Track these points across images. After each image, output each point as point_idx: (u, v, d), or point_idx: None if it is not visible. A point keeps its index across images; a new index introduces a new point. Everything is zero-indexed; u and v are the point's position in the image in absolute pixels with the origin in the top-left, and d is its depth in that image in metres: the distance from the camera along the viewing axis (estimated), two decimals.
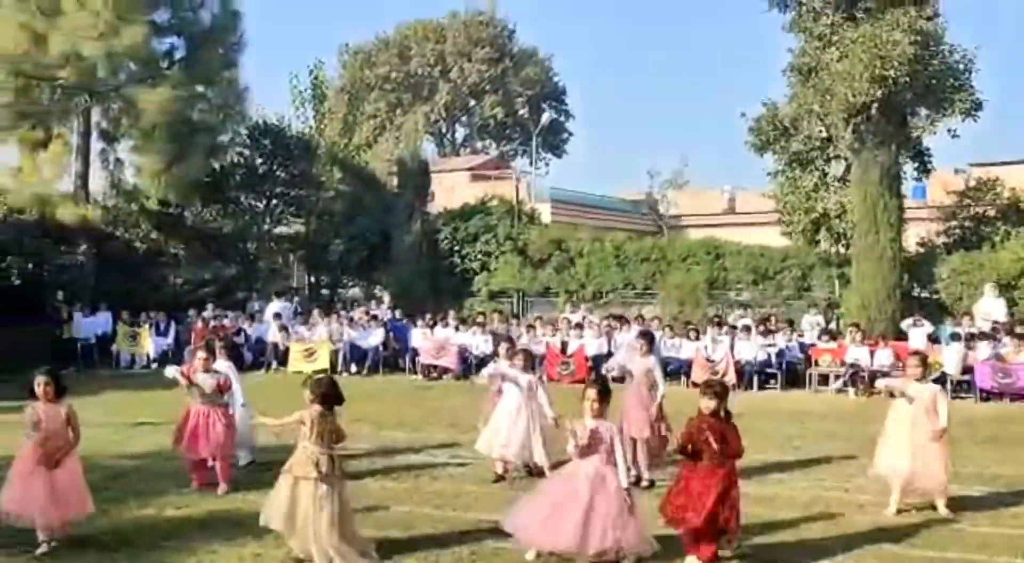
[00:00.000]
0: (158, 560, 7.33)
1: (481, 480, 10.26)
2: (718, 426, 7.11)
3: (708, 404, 7.20)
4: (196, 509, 8.97)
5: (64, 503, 7.60)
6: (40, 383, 7.73)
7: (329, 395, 7.45)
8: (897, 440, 8.99)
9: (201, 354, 10.21)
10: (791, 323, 21.79)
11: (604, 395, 7.54)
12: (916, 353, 10.03)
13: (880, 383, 10.17)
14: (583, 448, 7.29)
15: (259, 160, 29.58)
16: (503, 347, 11.59)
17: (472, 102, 62.92)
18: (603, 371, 14.19)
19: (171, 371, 10.20)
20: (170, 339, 23.04)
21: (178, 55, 25.96)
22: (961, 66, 25.04)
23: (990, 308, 21.22)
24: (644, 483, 9.82)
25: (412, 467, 10.99)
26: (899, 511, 8.83)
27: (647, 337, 10.93)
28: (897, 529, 8.29)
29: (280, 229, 30.25)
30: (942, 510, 8.80)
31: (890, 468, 8.99)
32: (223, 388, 10.03)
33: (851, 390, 19.16)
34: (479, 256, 28.37)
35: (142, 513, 8.73)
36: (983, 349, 18.77)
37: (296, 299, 27.12)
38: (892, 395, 9.41)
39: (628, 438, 9.92)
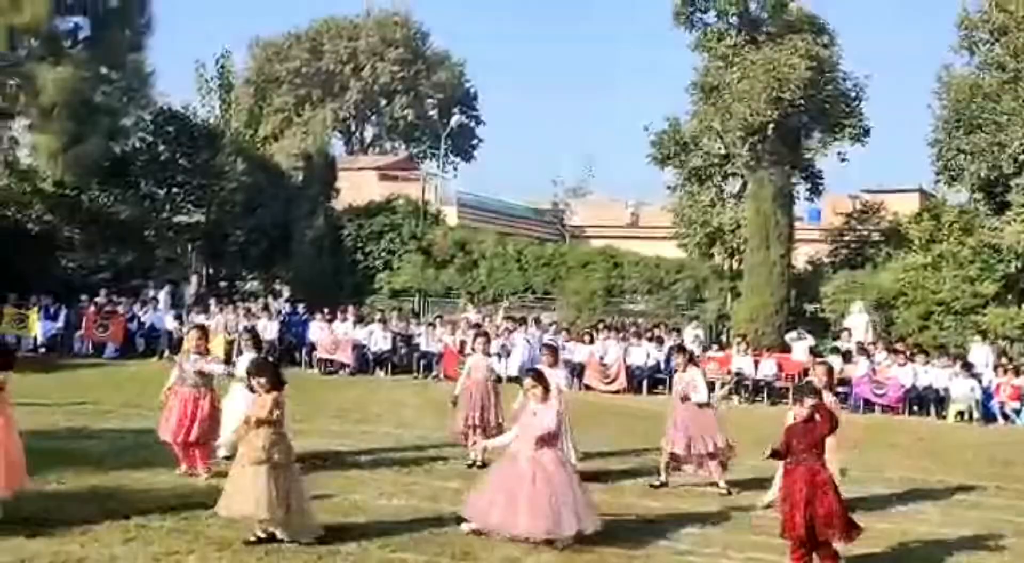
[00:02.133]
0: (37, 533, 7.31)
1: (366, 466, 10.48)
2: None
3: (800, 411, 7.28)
4: (79, 484, 8.96)
5: None
6: None
7: (281, 380, 7.70)
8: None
9: (194, 334, 10.17)
10: (678, 332, 22.44)
11: (543, 381, 8.11)
12: (823, 363, 10.42)
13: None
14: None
15: (162, 147, 29.04)
16: (479, 341, 11.76)
17: (383, 102, 62.74)
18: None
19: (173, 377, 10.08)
20: (60, 323, 22.56)
21: (82, 35, 25.36)
22: (853, 93, 26.26)
23: (854, 324, 22.20)
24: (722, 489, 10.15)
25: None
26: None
27: (686, 353, 11.08)
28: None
29: (180, 218, 29.71)
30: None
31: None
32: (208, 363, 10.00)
33: (735, 398, 19.89)
34: (383, 254, 28.45)
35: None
36: (860, 364, 19.70)
37: (192, 285, 26.77)
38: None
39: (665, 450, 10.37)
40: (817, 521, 6.81)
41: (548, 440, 7.85)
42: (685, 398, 10.36)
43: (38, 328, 22.39)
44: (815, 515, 6.81)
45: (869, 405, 19.11)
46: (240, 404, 9.98)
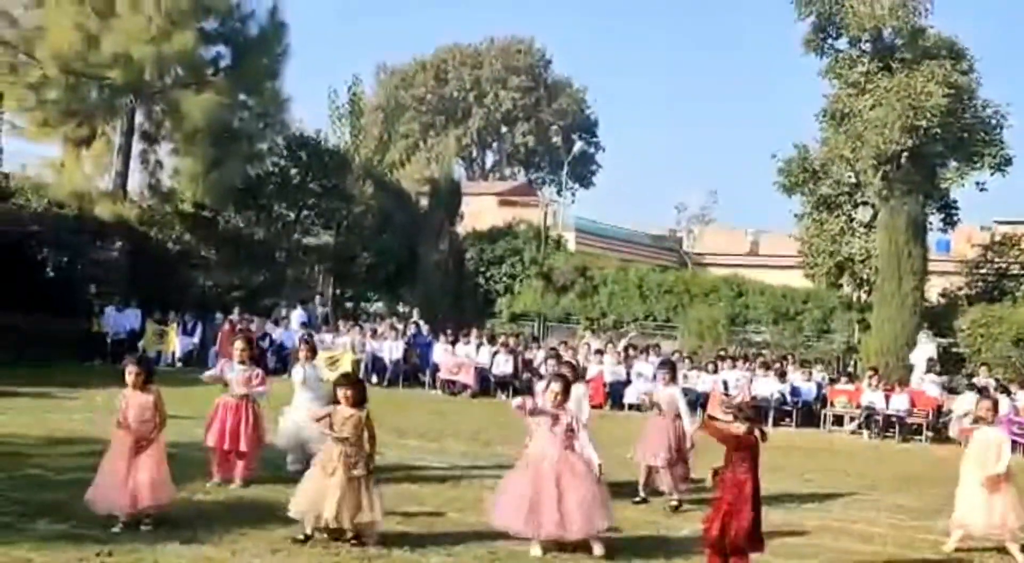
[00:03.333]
0: (191, 538, 7.61)
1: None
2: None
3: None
4: (223, 495, 9.29)
5: (142, 491, 7.79)
6: (131, 372, 8.07)
7: (365, 396, 7.95)
8: (971, 489, 8.91)
9: (239, 344, 10.31)
10: (804, 363, 21.94)
11: (567, 388, 8.19)
12: (988, 397, 10.06)
13: (954, 429, 9.99)
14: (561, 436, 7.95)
15: (294, 171, 30.06)
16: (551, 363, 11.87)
17: (504, 128, 63.52)
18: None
19: (206, 376, 10.47)
20: (196, 339, 23.42)
21: (224, 63, 26.55)
22: (992, 121, 25.41)
23: (918, 356, 21.42)
24: (673, 503, 10.11)
25: (434, 474, 11.27)
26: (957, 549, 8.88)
27: (669, 366, 11.19)
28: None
29: (309, 239, 30.67)
30: (1018, 556, 8.66)
31: (963, 521, 8.94)
32: (253, 382, 10.05)
33: (865, 432, 19.34)
34: (504, 278, 28.76)
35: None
36: (1001, 401, 18.89)
37: (320, 306, 27.48)
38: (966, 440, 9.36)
39: (642, 464, 10.30)
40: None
41: (570, 439, 8.00)
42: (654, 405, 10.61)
43: (176, 344, 23.32)
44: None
45: (1012, 445, 18.27)
46: (301, 414, 10.34)
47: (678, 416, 10.42)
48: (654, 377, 12.14)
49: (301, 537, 7.62)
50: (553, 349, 20.19)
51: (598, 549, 7.78)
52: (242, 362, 10.14)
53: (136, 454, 7.89)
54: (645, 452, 10.36)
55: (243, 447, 9.87)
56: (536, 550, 7.76)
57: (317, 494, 7.63)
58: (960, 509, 8.99)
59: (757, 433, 7.25)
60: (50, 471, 9.99)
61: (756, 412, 7.83)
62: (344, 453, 7.64)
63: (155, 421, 8.03)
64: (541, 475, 7.83)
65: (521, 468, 8.17)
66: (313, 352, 11.47)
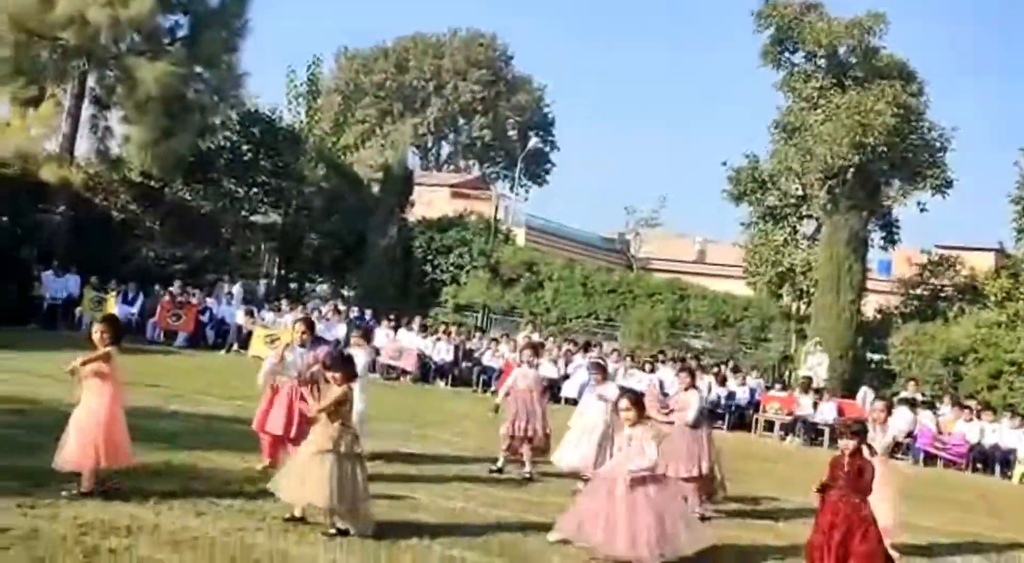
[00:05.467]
0: (116, 496, 7.57)
1: (429, 469, 10.64)
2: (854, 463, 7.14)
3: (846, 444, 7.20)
4: (151, 459, 9.24)
5: (75, 449, 7.64)
6: (96, 330, 8.02)
7: (354, 374, 7.94)
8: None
9: (300, 327, 9.92)
10: (737, 370, 22.32)
11: (638, 404, 8.03)
12: (882, 399, 10.26)
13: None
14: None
15: (246, 147, 29.83)
16: (526, 352, 11.93)
17: (461, 120, 63.51)
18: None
19: (267, 367, 9.77)
20: (135, 309, 23.15)
21: (181, 32, 26.16)
22: (937, 144, 26.02)
23: (812, 362, 21.87)
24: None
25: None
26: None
27: (598, 368, 11.40)
28: None
29: (257, 217, 30.44)
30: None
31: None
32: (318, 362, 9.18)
33: (794, 438, 19.77)
34: (451, 268, 28.79)
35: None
36: (925, 416, 19.41)
37: (263, 284, 27.29)
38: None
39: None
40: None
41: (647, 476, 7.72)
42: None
43: (115, 312, 23.00)
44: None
45: (931, 458, 18.81)
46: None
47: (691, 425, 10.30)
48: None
49: (288, 516, 7.55)
50: (527, 337, 20.34)
51: None
52: (302, 344, 9.70)
53: (86, 413, 7.77)
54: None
55: (298, 435, 8.99)
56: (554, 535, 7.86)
57: (309, 478, 7.41)
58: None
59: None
60: None
61: (863, 427, 7.37)
62: (333, 433, 7.52)
63: (114, 376, 7.89)
64: (617, 499, 7.63)
65: (595, 485, 8.16)
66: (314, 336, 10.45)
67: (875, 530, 6.93)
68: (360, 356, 10.09)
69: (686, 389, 10.55)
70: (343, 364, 7.94)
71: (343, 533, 7.38)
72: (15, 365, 14.89)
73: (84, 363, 7.80)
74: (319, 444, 7.51)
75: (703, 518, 9.38)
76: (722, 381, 21.21)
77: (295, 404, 9.20)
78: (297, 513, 7.59)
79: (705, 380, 20.99)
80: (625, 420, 7.99)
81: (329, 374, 7.81)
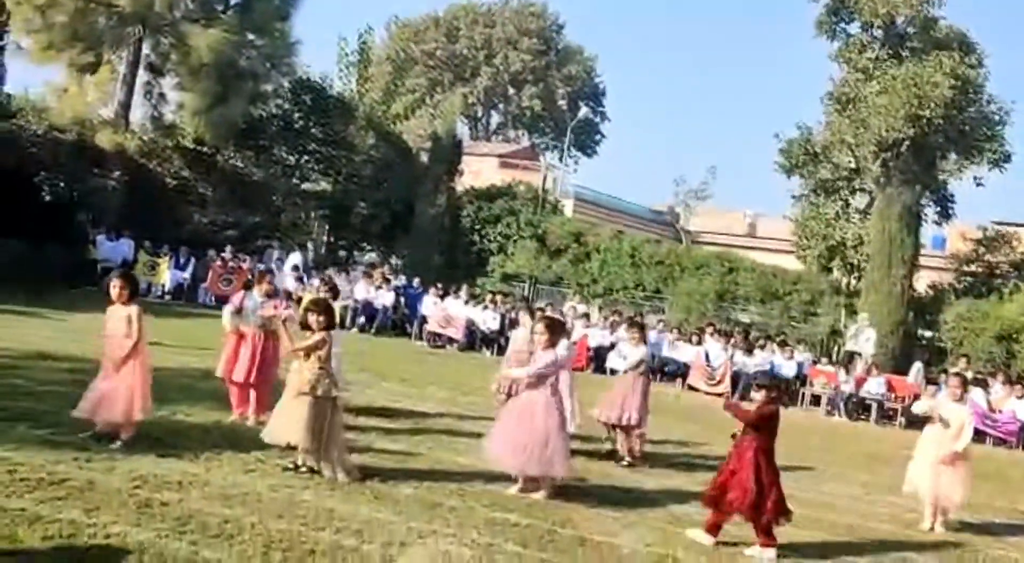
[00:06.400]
0: (168, 453, 7.77)
1: (472, 433, 10.73)
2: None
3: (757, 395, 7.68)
4: (203, 418, 9.45)
5: (112, 405, 7.87)
6: (115, 285, 8.11)
7: (335, 321, 8.21)
8: (924, 460, 9.18)
9: (264, 279, 10.06)
10: (783, 344, 22.14)
11: (553, 328, 8.39)
12: (958, 374, 10.18)
13: (918, 407, 9.98)
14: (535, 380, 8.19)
15: (297, 115, 30.06)
16: (522, 315, 12.01)
17: (511, 90, 63.26)
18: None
19: (226, 313, 9.89)
20: (187, 274, 23.55)
21: (235, 0, 26.38)
22: (996, 117, 25.44)
23: (859, 336, 21.58)
24: (624, 462, 10.22)
25: (410, 416, 11.45)
26: (932, 527, 9.04)
27: (638, 327, 11.34)
28: (860, 529, 8.70)
29: (308, 185, 30.73)
30: (937, 527, 9.01)
31: (915, 489, 9.24)
32: (279, 308, 9.57)
33: (841, 413, 19.63)
34: (498, 238, 28.81)
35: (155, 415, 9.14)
36: (976, 393, 19.13)
37: (311, 251, 27.54)
38: (929, 419, 9.38)
39: (602, 421, 10.49)
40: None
41: (537, 382, 8.18)
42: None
43: (167, 277, 23.44)
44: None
45: (981, 436, 18.55)
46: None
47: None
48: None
49: (291, 465, 7.76)
50: (524, 299, 20.42)
51: (542, 493, 8.05)
52: (267, 295, 9.87)
53: (115, 369, 8.00)
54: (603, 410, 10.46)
55: (261, 381, 9.60)
56: (513, 489, 8.05)
57: (288, 419, 7.78)
58: (910, 472, 9.35)
59: (773, 405, 7.47)
60: (33, 382, 10.16)
61: (775, 382, 7.90)
62: (311, 376, 7.74)
63: (131, 335, 8.01)
64: (523, 415, 8.13)
65: (508, 411, 8.47)
66: (335, 293, 11.15)
67: (766, 472, 7.24)
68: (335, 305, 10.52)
69: (635, 345, 10.85)
70: (328, 310, 8.14)
71: (312, 472, 7.68)
72: (69, 325, 15.28)
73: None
74: (297, 386, 7.81)
75: (629, 464, 10.06)
76: (748, 349, 21.12)
77: (258, 352, 9.57)
78: (301, 464, 7.78)
79: (756, 356, 20.96)
80: (538, 344, 8.35)
81: (312, 317, 7.94)
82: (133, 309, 8.10)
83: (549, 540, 6.86)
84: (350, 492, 7.40)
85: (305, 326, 8.09)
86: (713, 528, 7.39)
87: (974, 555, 8.32)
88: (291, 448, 7.86)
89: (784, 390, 20.12)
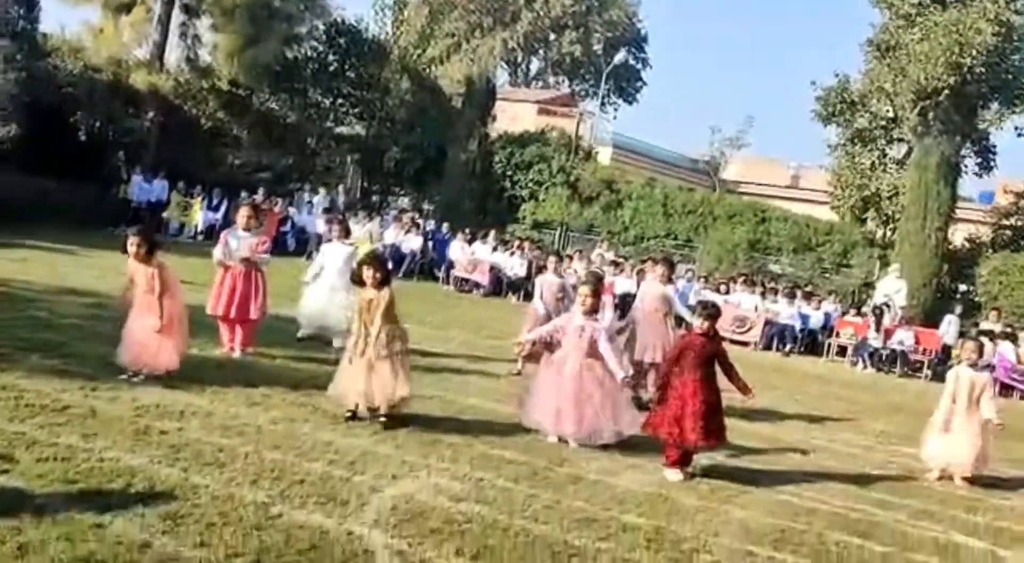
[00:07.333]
0: (174, 385, 7.93)
1: (487, 373, 10.84)
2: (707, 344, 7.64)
3: (702, 324, 7.69)
4: (216, 353, 9.62)
5: (155, 358, 8.06)
6: (132, 243, 8.12)
7: (390, 276, 8.08)
8: (940, 421, 9.09)
9: (244, 211, 10.21)
10: (811, 294, 21.96)
11: (596, 292, 8.33)
12: (973, 339, 10.02)
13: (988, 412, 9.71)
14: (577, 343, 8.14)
15: (332, 57, 30.02)
16: (551, 260, 12.31)
17: (552, 36, 62.45)
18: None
19: (217, 252, 10.04)
20: (219, 215, 23.75)
21: None
22: None
23: (889, 288, 21.24)
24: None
25: (428, 354, 11.56)
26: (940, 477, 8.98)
27: (668, 264, 11.31)
28: (866, 477, 8.70)
29: (342, 128, 30.76)
30: (958, 481, 8.93)
31: (930, 455, 9.15)
32: (258, 248, 9.95)
33: (865, 363, 19.52)
34: (530, 184, 28.67)
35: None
36: (1005, 347, 18.92)
37: (341, 195, 27.63)
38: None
39: (637, 361, 10.43)
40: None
41: (595, 351, 8.16)
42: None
43: (199, 218, 23.70)
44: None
45: (1008, 389, 18.37)
46: (322, 294, 10.75)
47: (667, 314, 10.68)
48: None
49: (348, 414, 7.75)
50: (601, 256, 20.48)
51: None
52: (247, 229, 10.02)
53: (142, 317, 8.12)
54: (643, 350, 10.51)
55: (252, 315, 9.85)
56: (552, 438, 8.10)
57: (352, 375, 7.67)
58: (927, 436, 9.27)
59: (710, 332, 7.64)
60: (54, 315, 10.39)
61: (717, 310, 7.90)
62: (370, 333, 7.63)
63: (159, 289, 8.10)
64: (565, 380, 8.11)
65: (547, 372, 8.42)
66: (347, 232, 11.68)
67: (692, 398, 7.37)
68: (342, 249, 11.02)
69: (663, 282, 10.94)
70: (382, 264, 8.07)
71: (372, 418, 7.74)
72: (100, 262, 15.55)
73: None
74: (376, 349, 7.62)
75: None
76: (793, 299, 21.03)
77: (238, 286, 9.76)
78: (352, 406, 7.76)
79: (793, 307, 20.84)
80: (581, 305, 8.29)
81: (367, 273, 7.79)
82: (153, 269, 8.12)
83: (543, 477, 6.93)
84: (351, 428, 7.52)
85: (358, 281, 7.93)
86: (676, 463, 7.53)
87: (976, 504, 8.28)
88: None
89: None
